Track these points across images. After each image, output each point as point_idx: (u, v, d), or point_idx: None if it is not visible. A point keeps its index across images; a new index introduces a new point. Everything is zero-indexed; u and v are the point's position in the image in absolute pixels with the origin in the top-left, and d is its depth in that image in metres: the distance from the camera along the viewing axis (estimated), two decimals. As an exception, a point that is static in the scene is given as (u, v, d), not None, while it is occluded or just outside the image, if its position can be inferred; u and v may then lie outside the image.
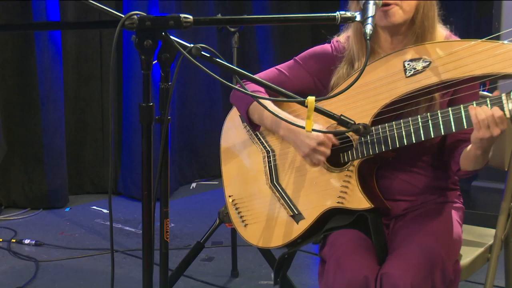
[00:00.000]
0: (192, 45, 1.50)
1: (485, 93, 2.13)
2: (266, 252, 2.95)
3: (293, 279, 2.87)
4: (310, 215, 2.04)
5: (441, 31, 1.98)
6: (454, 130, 1.80)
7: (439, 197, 2.05)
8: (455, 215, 2.03)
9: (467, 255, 2.07)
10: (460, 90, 1.89)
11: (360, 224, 1.96)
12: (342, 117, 1.64)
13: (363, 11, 1.69)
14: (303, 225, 2.05)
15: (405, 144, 1.88)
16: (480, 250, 2.14)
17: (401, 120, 1.88)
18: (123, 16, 1.49)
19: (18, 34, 4.21)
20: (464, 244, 2.02)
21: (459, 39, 1.99)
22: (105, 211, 4.26)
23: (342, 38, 2.10)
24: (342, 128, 1.69)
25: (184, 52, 1.50)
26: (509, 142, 2.09)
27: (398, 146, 1.89)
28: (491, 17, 3.82)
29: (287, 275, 2.82)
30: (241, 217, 2.19)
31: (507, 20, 3.72)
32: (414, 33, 1.95)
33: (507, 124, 1.74)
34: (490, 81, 1.91)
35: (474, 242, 2.18)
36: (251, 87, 2.10)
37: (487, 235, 2.24)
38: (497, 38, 1.81)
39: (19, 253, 3.50)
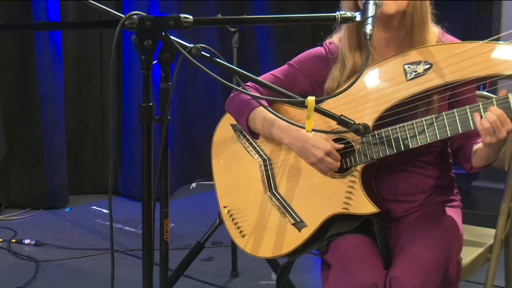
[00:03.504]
0: (192, 45, 1.50)
1: (488, 93, 2.12)
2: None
3: (293, 279, 2.86)
4: (312, 222, 2.00)
5: (433, 30, 1.97)
6: (460, 131, 1.79)
7: (438, 196, 2.04)
8: (455, 214, 2.03)
9: (467, 255, 2.07)
10: (458, 93, 1.89)
11: (363, 229, 1.95)
12: (342, 117, 1.64)
13: (363, 11, 1.68)
14: (306, 232, 2.01)
15: (411, 147, 1.86)
16: (480, 250, 2.13)
17: (405, 123, 1.86)
18: (123, 16, 1.49)
19: (18, 34, 4.21)
20: (464, 244, 2.02)
21: (451, 37, 1.99)
22: (105, 211, 4.26)
23: (335, 39, 2.09)
24: (342, 128, 1.69)
25: (184, 52, 1.50)
26: (509, 142, 2.08)
27: (403, 149, 1.87)
28: (491, 17, 3.81)
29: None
30: (238, 227, 2.14)
31: (507, 20, 3.72)
32: (404, 27, 1.94)
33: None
34: (490, 82, 1.91)
35: (474, 242, 2.18)
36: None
37: (487, 235, 2.24)
38: (497, 39, 1.80)
39: (19, 253, 3.50)
